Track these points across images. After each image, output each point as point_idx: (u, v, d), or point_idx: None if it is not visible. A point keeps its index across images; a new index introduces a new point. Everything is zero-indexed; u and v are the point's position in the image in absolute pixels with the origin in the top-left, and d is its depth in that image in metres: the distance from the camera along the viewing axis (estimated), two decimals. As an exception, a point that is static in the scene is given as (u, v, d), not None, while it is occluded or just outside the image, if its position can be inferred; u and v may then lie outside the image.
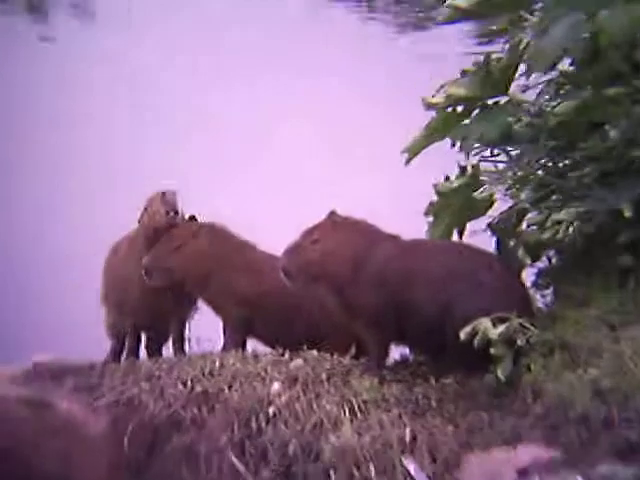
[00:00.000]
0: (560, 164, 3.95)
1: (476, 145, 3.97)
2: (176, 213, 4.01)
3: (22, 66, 9.86)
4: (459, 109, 3.92)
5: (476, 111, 3.88)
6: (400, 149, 4.02)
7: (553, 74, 3.88)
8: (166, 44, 10.71)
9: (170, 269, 3.96)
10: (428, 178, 4.10)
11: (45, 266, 6.12)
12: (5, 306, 5.69)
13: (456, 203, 4.05)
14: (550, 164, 3.99)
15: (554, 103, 3.87)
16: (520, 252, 3.91)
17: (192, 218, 4.09)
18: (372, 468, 3.09)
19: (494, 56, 3.85)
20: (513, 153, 3.92)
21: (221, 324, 4.09)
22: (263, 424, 3.36)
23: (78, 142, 8.09)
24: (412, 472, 3.03)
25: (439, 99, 3.84)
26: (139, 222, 4.10)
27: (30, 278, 6.06)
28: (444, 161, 4.08)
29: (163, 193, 4.00)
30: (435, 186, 4.09)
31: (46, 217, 6.85)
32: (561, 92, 3.93)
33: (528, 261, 3.92)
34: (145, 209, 4.07)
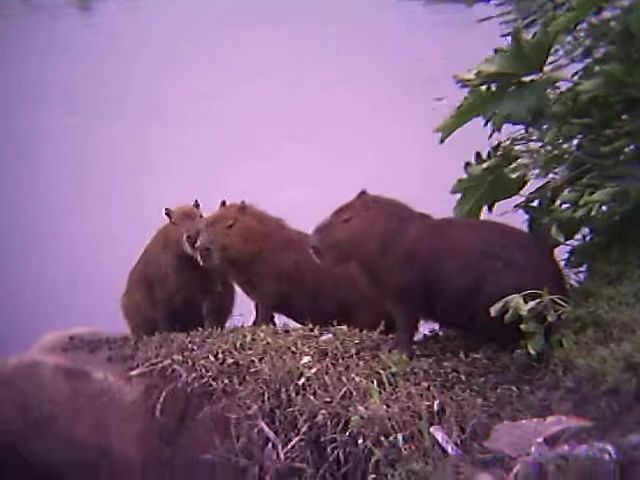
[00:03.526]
0: (595, 142, 3.92)
1: (510, 123, 3.96)
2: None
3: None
4: (492, 88, 3.91)
5: (510, 89, 3.86)
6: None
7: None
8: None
9: (226, 246, 4.00)
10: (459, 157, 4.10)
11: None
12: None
13: (486, 181, 4.04)
14: (585, 142, 3.96)
15: (585, 81, 3.83)
16: (553, 230, 3.89)
17: (223, 203, 4.15)
18: (400, 437, 3.11)
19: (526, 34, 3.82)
20: (543, 129, 3.90)
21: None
22: (293, 394, 3.40)
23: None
24: (440, 440, 3.04)
25: (470, 75, 3.82)
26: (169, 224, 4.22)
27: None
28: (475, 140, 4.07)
29: (188, 236, 4.10)
30: (466, 164, 4.08)
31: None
32: (594, 69, 3.90)
33: (561, 239, 3.90)
34: (169, 216, 4.19)
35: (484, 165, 4.06)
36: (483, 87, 3.90)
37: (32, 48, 10.98)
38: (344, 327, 3.82)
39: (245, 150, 7.66)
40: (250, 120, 8.33)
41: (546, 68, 3.87)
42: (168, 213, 4.23)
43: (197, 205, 4.27)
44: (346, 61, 9.58)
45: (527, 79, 3.85)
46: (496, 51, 3.90)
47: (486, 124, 3.97)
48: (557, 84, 3.97)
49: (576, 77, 3.96)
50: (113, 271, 4.47)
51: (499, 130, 3.87)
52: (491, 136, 3.92)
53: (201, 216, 4.22)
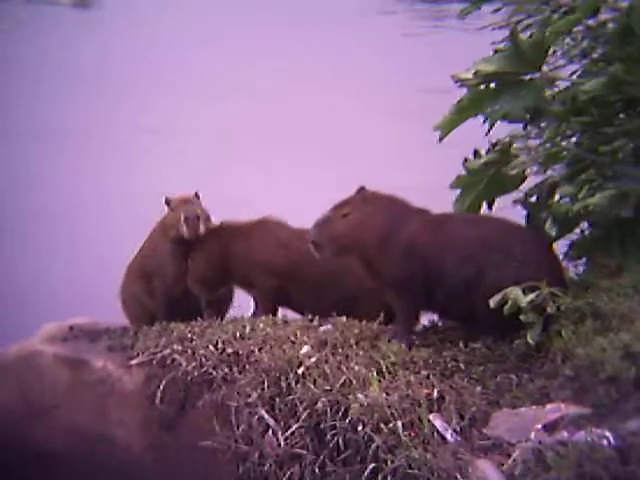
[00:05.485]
0: (594, 140, 3.95)
1: (509, 122, 3.99)
2: (197, 235, 4.15)
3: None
4: (491, 86, 3.94)
5: (508, 87, 3.88)
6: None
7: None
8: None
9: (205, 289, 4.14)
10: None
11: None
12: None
13: (485, 177, 4.07)
14: (584, 140, 3.99)
15: (585, 80, 3.87)
16: (547, 224, 3.91)
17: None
18: (399, 424, 3.12)
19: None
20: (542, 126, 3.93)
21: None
22: (293, 383, 3.41)
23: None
24: (439, 427, 3.05)
25: (469, 75, 3.85)
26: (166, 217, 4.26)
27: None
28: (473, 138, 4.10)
29: (186, 218, 4.14)
30: (465, 161, 4.11)
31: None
32: (593, 70, 3.94)
33: (553, 233, 3.92)
34: (169, 205, 4.23)
35: (483, 161, 4.09)
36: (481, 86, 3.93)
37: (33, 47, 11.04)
38: (343, 318, 3.83)
39: (243, 152, 7.72)
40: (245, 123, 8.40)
41: (544, 68, 3.90)
42: (167, 201, 4.27)
43: (197, 197, 4.30)
44: (345, 63, 9.66)
45: (525, 78, 3.88)
46: (495, 51, 3.94)
47: (485, 122, 4.00)
48: (555, 83, 4.01)
49: (574, 77, 4.00)
50: (112, 262, 4.48)
51: (491, 128, 3.90)
52: (487, 133, 3.95)
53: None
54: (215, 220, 4.27)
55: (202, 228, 4.15)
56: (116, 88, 9.54)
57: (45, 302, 5.61)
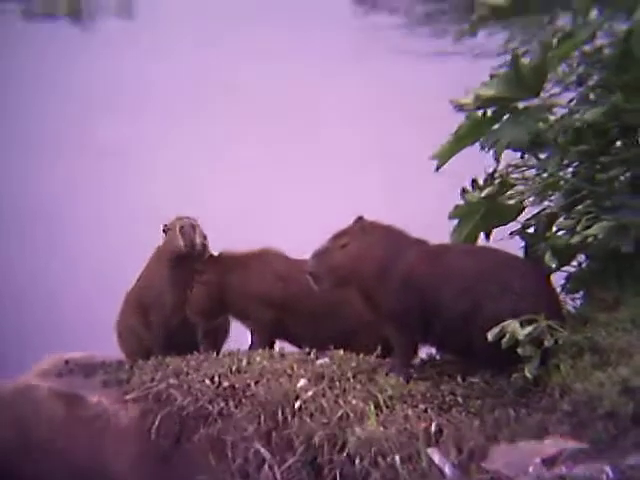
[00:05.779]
0: (591, 169, 3.95)
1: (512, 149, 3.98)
2: (193, 247, 4.15)
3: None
4: (489, 113, 3.94)
5: (506, 115, 3.89)
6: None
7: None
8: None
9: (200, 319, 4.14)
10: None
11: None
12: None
13: (483, 207, 4.07)
14: (581, 169, 3.99)
15: (583, 108, 3.87)
16: (547, 256, 3.90)
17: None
18: (397, 458, 3.09)
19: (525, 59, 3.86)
20: (543, 158, 3.93)
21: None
22: (289, 417, 3.38)
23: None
24: (437, 462, 3.02)
25: (468, 100, 3.85)
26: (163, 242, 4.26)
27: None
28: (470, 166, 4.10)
29: (181, 227, 4.15)
30: (463, 191, 4.11)
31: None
32: (590, 97, 3.94)
33: (553, 265, 3.90)
34: (166, 231, 4.23)
35: (481, 192, 4.09)
36: (479, 112, 3.93)
37: (30, 51, 11.13)
38: (340, 351, 3.81)
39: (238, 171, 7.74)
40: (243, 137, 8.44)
41: (542, 95, 3.90)
42: (165, 228, 4.25)
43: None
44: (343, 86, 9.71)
45: (523, 105, 3.87)
46: (491, 76, 3.94)
47: (482, 149, 4.00)
48: (552, 110, 4.01)
49: (572, 103, 4.00)
50: (111, 262, 4.47)
51: (499, 159, 3.89)
52: (497, 165, 3.94)
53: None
54: (212, 236, 4.23)
55: (198, 240, 4.13)
56: (109, 99, 9.59)
57: (43, 302, 5.60)
